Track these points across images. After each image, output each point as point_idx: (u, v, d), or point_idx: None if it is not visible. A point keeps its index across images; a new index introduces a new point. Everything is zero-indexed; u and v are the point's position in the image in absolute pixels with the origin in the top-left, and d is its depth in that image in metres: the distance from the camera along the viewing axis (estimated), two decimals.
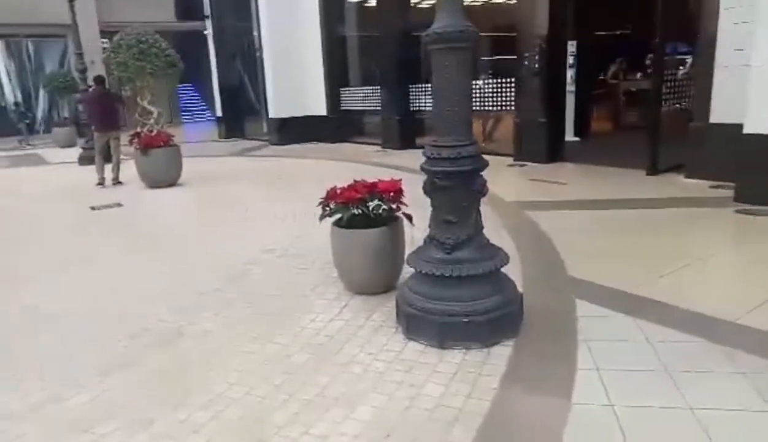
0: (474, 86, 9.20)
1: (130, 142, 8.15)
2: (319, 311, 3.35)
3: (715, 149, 5.94)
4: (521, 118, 8.24)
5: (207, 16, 14.77)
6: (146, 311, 3.53)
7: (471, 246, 2.83)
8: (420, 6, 10.96)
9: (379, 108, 11.01)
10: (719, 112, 5.98)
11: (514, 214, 5.10)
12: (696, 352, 2.61)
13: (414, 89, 10.39)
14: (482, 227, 2.92)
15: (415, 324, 2.87)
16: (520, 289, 3.06)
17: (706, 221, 4.73)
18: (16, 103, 18.29)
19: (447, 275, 2.77)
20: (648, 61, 11.37)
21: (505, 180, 6.89)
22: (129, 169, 8.40)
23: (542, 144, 7.88)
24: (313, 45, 12.02)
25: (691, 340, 2.70)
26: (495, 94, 8.95)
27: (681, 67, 8.09)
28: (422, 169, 2.88)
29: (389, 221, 3.46)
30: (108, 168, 8.47)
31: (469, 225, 2.84)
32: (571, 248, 4.09)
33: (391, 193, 3.45)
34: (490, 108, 9.15)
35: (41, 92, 19.09)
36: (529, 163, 7.75)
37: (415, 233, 3.53)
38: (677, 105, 7.37)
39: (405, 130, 10.48)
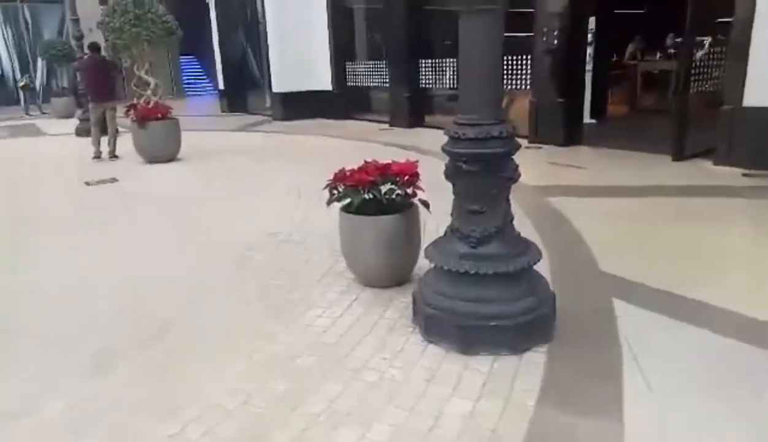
0: None
1: (126, 114, 7.78)
2: (327, 305, 3.04)
3: (748, 134, 5.57)
4: (537, 98, 7.82)
5: None
6: (135, 300, 3.22)
7: (500, 240, 2.50)
8: None
9: (387, 84, 10.58)
10: (755, 95, 5.59)
11: (536, 201, 4.75)
12: (762, 369, 2.29)
13: (424, 65, 9.94)
14: (512, 218, 2.58)
15: (435, 325, 2.55)
16: (550, 286, 2.74)
17: (745, 213, 4.39)
18: (27, 78, 17.36)
19: (472, 272, 2.44)
20: (668, 41, 10.98)
21: (523, 163, 6.38)
22: (126, 143, 8.03)
23: (559, 125, 7.48)
24: (318, 16, 11.52)
25: (751, 351, 2.38)
26: (510, 72, 8.52)
27: (700, 49, 7.67)
28: (444, 151, 2.53)
29: (404, 207, 3.12)
30: (105, 141, 8.10)
31: (497, 216, 2.50)
32: (600, 240, 3.76)
33: (406, 177, 3.10)
34: (505, 87, 8.73)
35: (39, 61, 18.58)
36: (545, 146, 7.36)
37: (431, 220, 3.20)
38: (703, 87, 6.99)
39: (414, 108, 10.07)
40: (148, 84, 7.93)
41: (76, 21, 10.60)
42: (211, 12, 14.49)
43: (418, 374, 2.34)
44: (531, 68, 8.01)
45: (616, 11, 9.87)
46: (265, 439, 2.00)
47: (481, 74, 2.38)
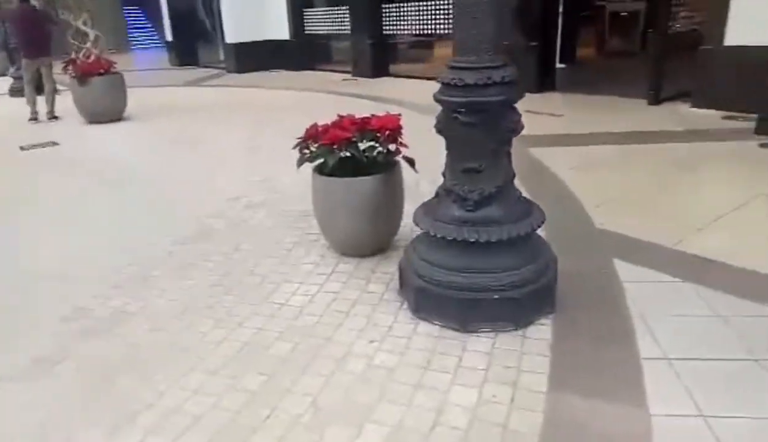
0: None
1: (64, 70, 7.06)
2: (301, 279, 2.70)
3: (728, 76, 5.36)
4: (508, 42, 7.43)
5: None
6: (79, 284, 2.81)
7: (501, 201, 2.19)
8: None
9: (349, 31, 9.98)
10: (735, 34, 5.35)
11: (516, 152, 4.42)
12: None
13: (387, 10, 9.37)
14: (514, 176, 2.27)
15: (428, 300, 2.25)
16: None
17: (731, 157, 4.19)
18: None
19: (472, 240, 2.13)
20: None
21: None
22: (66, 102, 7.33)
23: (532, 71, 7.11)
24: None
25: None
26: None
27: None
28: (437, 100, 2.18)
29: (386, 166, 2.77)
30: (41, 100, 7.36)
31: (498, 174, 2.18)
32: (589, 193, 3.51)
33: (388, 132, 2.74)
34: None
35: None
36: None
37: (410, 178, 2.88)
38: (680, 28, 6.75)
39: (378, 57, 9.55)
40: (87, 36, 7.19)
41: None
42: None
43: (411, 359, 2.05)
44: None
45: None
46: None
47: (479, 8, 2.00)
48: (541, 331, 2.16)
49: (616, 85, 6.91)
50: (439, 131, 2.24)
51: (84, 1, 7.16)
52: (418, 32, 9.26)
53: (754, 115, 4.78)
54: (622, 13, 10.15)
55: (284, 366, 2.05)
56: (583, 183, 3.70)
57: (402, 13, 9.16)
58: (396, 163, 2.82)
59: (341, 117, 2.85)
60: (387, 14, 9.38)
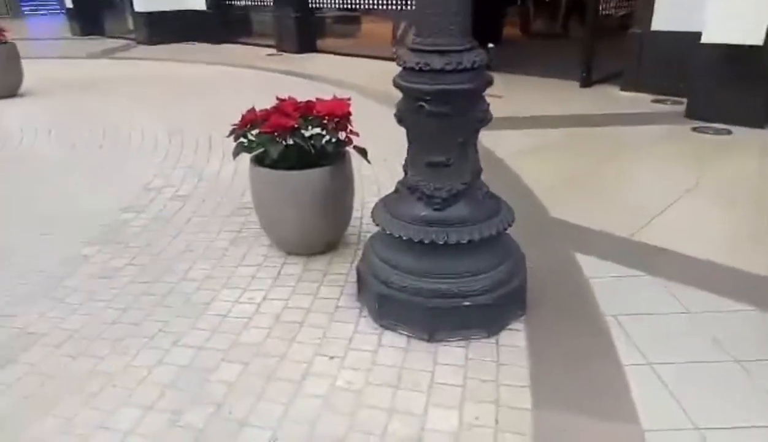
0: None
1: None
2: (242, 284, 2.40)
3: (656, 60, 5.48)
4: None
5: None
6: None
7: (469, 198, 2.00)
8: None
9: (271, 3, 9.42)
10: (663, 18, 5.46)
11: None
12: (757, 327, 2.05)
13: None
14: (480, 171, 2.08)
15: (392, 307, 2.04)
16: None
17: (667, 141, 4.25)
18: None
19: (441, 242, 1.93)
20: None
21: None
22: None
23: None
24: None
25: (742, 309, 2.13)
26: None
27: None
28: (398, 86, 1.94)
29: (335, 157, 2.50)
30: None
31: (466, 169, 1.99)
32: (538, 179, 3.42)
33: (336, 119, 2.46)
34: (403, 6, 8.05)
35: None
36: None
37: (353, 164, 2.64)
38: (609, 11, 6.87)
39: (303, 31, 9.08)
40: None
41: None
42: None
43: (379, 377, 1.83)
44: None
45: None
46: None
47: None
48: (515, 337, 2.01)
49: (547, 66, 6.93)
50: (400, 121, 2.01)
51: None
52: (345, 5, 8.90)
53: (683, 99, 4.90)
54: None
55: (234, 394, 1.77)
56: (531, 169, 3.60)
57: None
58: (346, 154, 2.56)
59: (281, 100, 2.55)
60: None
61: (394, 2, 8.13)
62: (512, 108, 5.32)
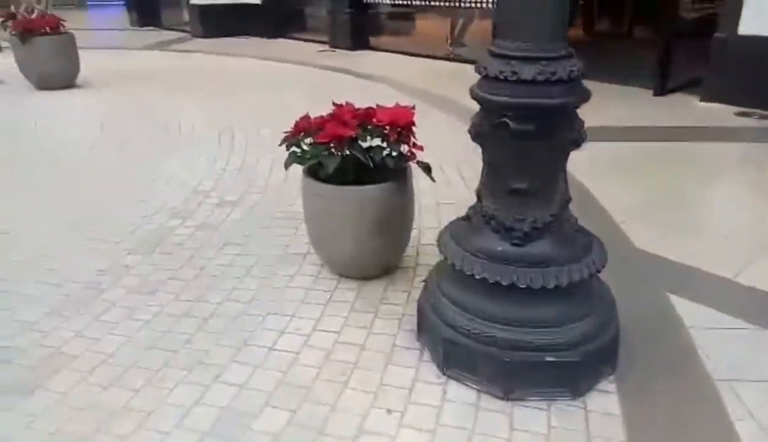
0: None
1: (2, 26, 6.19)
2: (290, 311, 2.18)
3: (741, 67, 4.99)
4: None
5: None
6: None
7: (555, 233, 1.71)
8: None
9: None
10: (752, 21, 4.96)
11: None
12: None
13: None
14: (569, 200, 1.79)
15: (460, 356, 1.77)
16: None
17: (759, 162, 3.81)
18: None
19: (523, 286, 1.65)
20: None
21: None
22: (9, 63, 6.48)
23: None
24: None
25: None
26: None
27: None
28: (476, 98, 1.66)
29: (396, 173, 2.24)
30: None
31: (553, 198, 1.71)
32: (616, 202, 3.07)
33: (399, 129, 2.21)
34: (460, 3, 7.71)
35: None
36: None
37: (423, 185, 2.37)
38: (688, 14, 6.35)
39: (357, 27, 8.85)
40: None
41: None
42: None
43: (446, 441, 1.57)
44: None
45: None
46: None
47: None
48: (607, 402, 1.70)
49: (615, 70, 6.47)
50: (476, 138, 1.73)
51: None
52: (400, 2, 8.64)
53: None
54: None
55: None
56: (605, 188, 3.26)
57: None
58: (408, 169, 2.30)
59: (338, 106, 2.31)
60: None
61: None
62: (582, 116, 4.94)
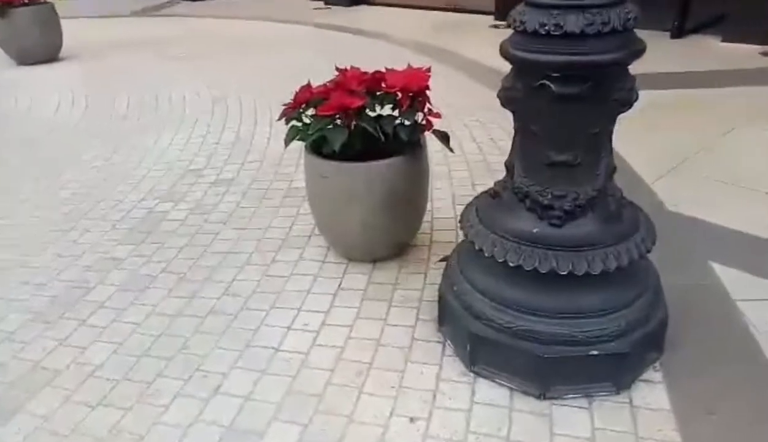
0: None
1: None
2: (296, 303, 1.97)
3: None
4: None
5: None
6: None
7: (599, 210, 1.47)
8: None
9: None
10: None
11: None
12: None
13: None
14: (614, 170, 1.54)
15: (489, 351, 1.56)
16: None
17: None
18: None
19: (564, 272, 1.42)
20: None
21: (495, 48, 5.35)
22: None
23: None
24: None
25: None
26: None
27: None
28: (510, 57, 1.40)
29: (410, 145, 1.99)
30: None
31: (599, 171, 1.46)
32: (640, 156, 2.82)
33: (411, 95, 1.94)
34: None
35: None
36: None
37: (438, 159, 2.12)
38: None
39: None
40: None
41: None
42: None
43: None
44: None
45: None
46: None
47: None
48: (654, 393, 1.50)
49: None
50: (508, 104, 1.48)
51: None
52: None
53: None
54: None
55: None
56: (629, 143, 2.96)
57: None
58: (422, 140, 2.05)
59: (342, 71, 2.04)
60: None
61: None
62: None
